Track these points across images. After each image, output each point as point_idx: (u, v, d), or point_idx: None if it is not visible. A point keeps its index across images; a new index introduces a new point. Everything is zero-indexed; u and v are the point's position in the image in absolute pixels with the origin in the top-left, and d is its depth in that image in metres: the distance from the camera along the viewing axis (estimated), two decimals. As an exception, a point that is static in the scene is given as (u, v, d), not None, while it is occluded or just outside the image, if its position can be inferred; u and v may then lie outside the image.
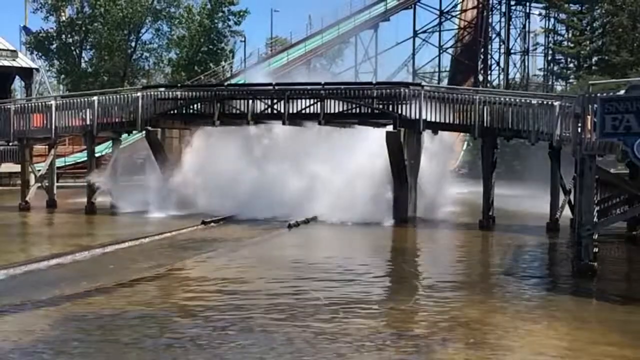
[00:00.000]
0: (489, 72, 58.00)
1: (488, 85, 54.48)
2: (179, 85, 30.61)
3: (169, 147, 25.05)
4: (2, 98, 31.79)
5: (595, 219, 13.41)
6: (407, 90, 22.22)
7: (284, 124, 22.90)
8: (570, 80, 48.69)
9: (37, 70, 47.72)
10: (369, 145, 22.43)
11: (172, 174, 24.08)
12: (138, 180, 26.06)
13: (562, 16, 51.35)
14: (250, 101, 23.40)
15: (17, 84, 51.78)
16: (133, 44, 52.98)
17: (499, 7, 58.94)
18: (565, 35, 53.91)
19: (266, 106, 23.27)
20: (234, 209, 21.83)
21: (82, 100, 26.04)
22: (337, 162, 22.13)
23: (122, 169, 25.61)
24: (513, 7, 59.02)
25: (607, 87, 17.57)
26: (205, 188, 23.46)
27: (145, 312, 10.12)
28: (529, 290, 12.35)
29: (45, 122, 25.63)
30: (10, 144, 27.63)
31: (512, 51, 59.56)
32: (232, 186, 22.62)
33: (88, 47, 53.76)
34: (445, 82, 56.79)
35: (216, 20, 52.60)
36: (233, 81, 42.73)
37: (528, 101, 20.75)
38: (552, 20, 55.83)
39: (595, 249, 13.16)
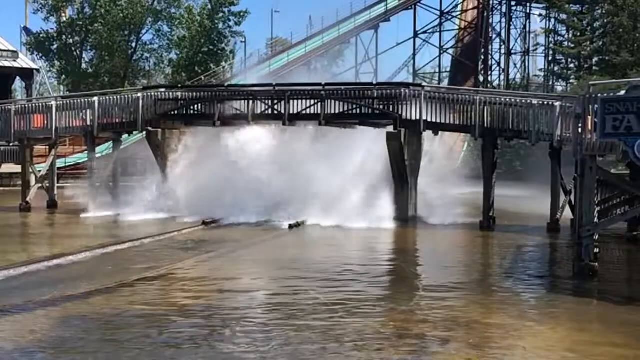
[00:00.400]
0: (489, 72, 58.05)
1: (489, 85, 54.51)
2: (179, 85, 30.60)
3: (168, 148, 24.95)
4: (3, 99, 31.79)
5: (595, 220, 13.41)
6: (407, 91, 22.24)
7: (284, 124, 22.87)
8: (571, 81, 48.72)
9: (38, 70, 47.76)
10: (367, 145, 22.38)
11: (161, 176, 23.94)
12: (137, 181, 26.05)
13: (563, 17, 51.35)
14: (251, 102, 23.37)
15: (18, 84, 51.85)
16: (133, 44, 52.99)
17: (499, 7, 59.06)
18: (566, 36, 53.94)
19: (267, 107, 23.25)
20: (226, 211, 21.46)
21: (83, 100, 26.04)
22: (336, 163, 21.96)
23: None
24: (513, 8, 59.08)
25: (607, 88, 17.54)
26: (194, 190, 22.92)
27: (146, 312, 10.11)
28: (530, 290, 12.35)
29: (45, 122, 25.64)
30: (11, 144, 27.65)
31: (512, 52, 59.62)
32: (224, 189, 22.13)
33: (88, 47, 53.76)
34: (445, 83, 56.82)
35: (217, 21, 52.58)
36: (233, 82, 42.72)
37: (529, 102, 20.76)
38: (552, 20, 55.88)
39: (596, 250, 13.15)
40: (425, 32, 58.58)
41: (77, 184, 25.31)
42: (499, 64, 59.35)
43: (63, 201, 26.27)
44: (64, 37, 52.88)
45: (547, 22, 57.36)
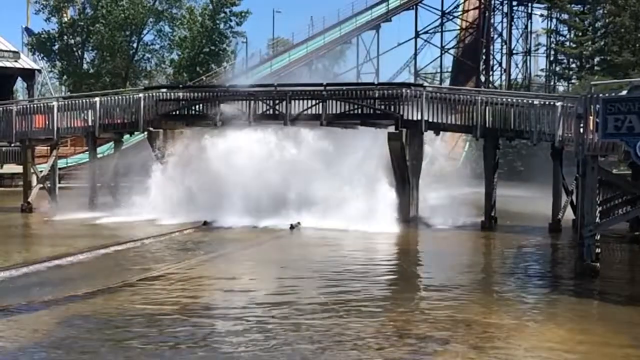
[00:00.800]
0: (491, 72, 58.01)
1: (490, 85, 54.48)
2: (180, 86, 30.59)
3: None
4: (5, 99, 31.81)
5: (597, 220, 13.38)
6: (409, 91, 22.24)
7: (285, 125, 22.83)
8: (573, 81, 48.74)
9: (39, 71, 47.73)
10: (368, 146, 22.26)
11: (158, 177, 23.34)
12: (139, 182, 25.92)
13: (564, 16, 51.32)
14: (252, 102, 23.34)
15: (19, 85, 51.85)
16: (135, 45, 52.98)
17: (500, 7, 58.99)
18: (567, 36, 53.91)
19: (268, 107, 23.23)
20: (222, 213, 20.84)
21: (84, 101, 26.07)
22: (336, 163, 21.77)
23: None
24: (515, 8, 59.00)
25: (609, 88, 17.54)
26: (188, 192, 22.28)
27: (147, 311, 10.12)
28: (531, 290, 12.34)
29: (47, 123, 25.67)
30: (13, 145, 27.68)
31: (514, 52, 59.54)
32: (220, 190, 21.33)
33: (90, 48, 53.74)
34: (447, 83, 56.82)
35: (218, 21, 52.54)
36: (234, 82, 42.64)
37: (530, 102, 20.74)
38: (554, 20, 55.84)
39: (598, 250, 13.14)
40: (426, 32, 58.58)
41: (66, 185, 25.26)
42: (500, 64, 59.34)
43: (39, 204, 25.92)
44: (65, 37, 52.88)
45: (549, 22, 57.34)
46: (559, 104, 19.04)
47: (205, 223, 20.45)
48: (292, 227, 20.08)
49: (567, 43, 52.58)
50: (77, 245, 16.35)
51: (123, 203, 23.51)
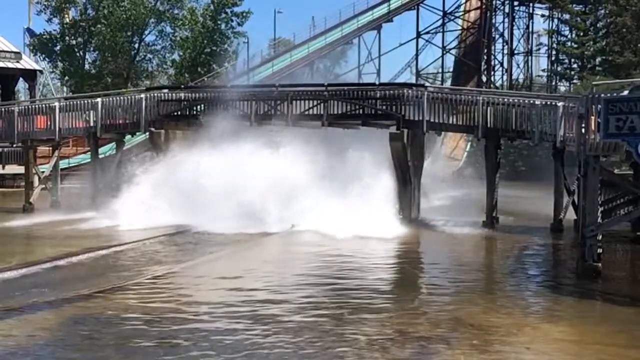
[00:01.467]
0: (492, 72, 58.05)
1: (491, 86, 54.48)
2: (182, 86, 30.63)
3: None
4: (6, 100, 31.89)
5: (599, 220, 13.38)
6: (410, 92, 22.26)
7: (287, 125, 22.85)
8: (574, 81, 48.82)
9: (41, 72, 47.81)
10: (366, 146, 22.15)
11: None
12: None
13: (566, 17, 51.33)
14: (254, 103, 23.35)
15: (21, 85, 51.95)
16: (136, 45, 53.07)
17: (502, 8, 58.99)
18: (569, 36, 53.91)
19: (269, 108, 23.24)
20: (210, 217, 19.45)
21: (86, 101, 26.10)
22: (336, 162, 21.60)
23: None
24: (516, 8, 59.03)
25: (610, 88, 17.52)
26: (172, 196, 20.98)
27: (147, 311, 10.12)
28: (533, 291, 12.34)
29: (49, 123, 25.71)
30: (14, 145, 27.71)
31: (515, 52, 59.55)
32: (205, 196, 20.18)
33: (91, 48, 53.85)
34: (448, 83, 56.86)
35: (219, 22, 52.63)
36: (235, 82, 42.69)
37: (531, 102, 20.72)
38: (555, 20, 55.83)
39: (599, 250, 13.13)
40: (428, 33, 58.64)
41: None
42: (501, 64, 59.39)
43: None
44: (67, 38, 53.01)
45: (550, 23, 57.34)
46: (560, 104, 19.02)
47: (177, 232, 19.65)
48: (292, 226, 19.95)
49: (569, 43, 52.62)
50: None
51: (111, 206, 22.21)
